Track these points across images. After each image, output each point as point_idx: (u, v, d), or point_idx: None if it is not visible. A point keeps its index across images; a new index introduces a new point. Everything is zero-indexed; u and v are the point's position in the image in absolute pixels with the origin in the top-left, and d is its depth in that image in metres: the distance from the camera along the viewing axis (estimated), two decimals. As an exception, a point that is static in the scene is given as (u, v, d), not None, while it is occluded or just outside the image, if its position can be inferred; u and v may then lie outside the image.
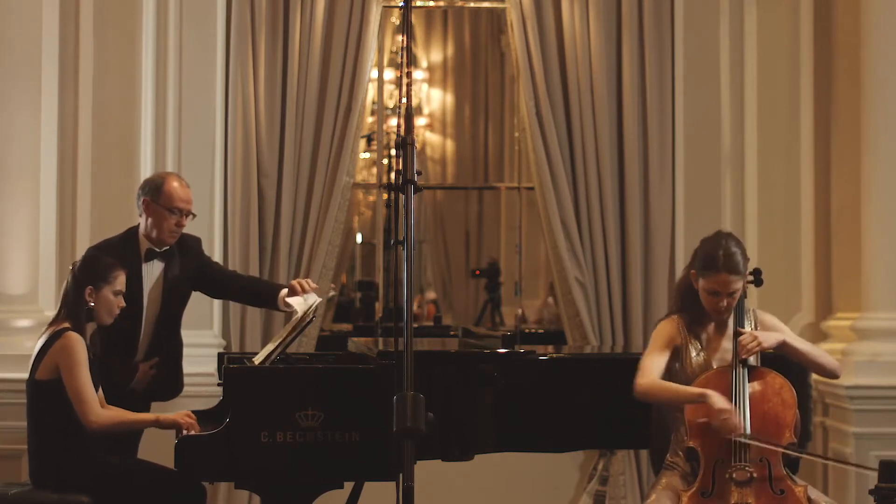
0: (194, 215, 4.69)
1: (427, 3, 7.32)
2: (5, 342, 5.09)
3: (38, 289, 5.20)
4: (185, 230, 4.73)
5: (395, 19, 8.04)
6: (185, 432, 4.06)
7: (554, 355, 4.71)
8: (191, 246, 4.78)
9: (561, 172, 5.86)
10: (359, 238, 9.24)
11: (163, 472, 4.25)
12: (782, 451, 3.86)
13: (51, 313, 5.21)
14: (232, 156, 5.75)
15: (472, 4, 7.34)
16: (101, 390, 4.29)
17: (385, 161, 7.54)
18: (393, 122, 7.19)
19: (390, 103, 7.14)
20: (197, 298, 4.89)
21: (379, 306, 7.67)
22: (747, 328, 4.07)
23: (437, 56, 9.42)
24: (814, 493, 3.93)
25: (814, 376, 4.44)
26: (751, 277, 4.15)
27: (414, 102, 8.97)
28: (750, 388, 3.93)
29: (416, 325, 8.14)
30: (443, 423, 3.96)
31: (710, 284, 4.00)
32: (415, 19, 8.65)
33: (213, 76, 5.72)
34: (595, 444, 5.09)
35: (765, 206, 5.90)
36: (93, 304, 4.28)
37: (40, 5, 5.22)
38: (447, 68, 9.43)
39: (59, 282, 5.32)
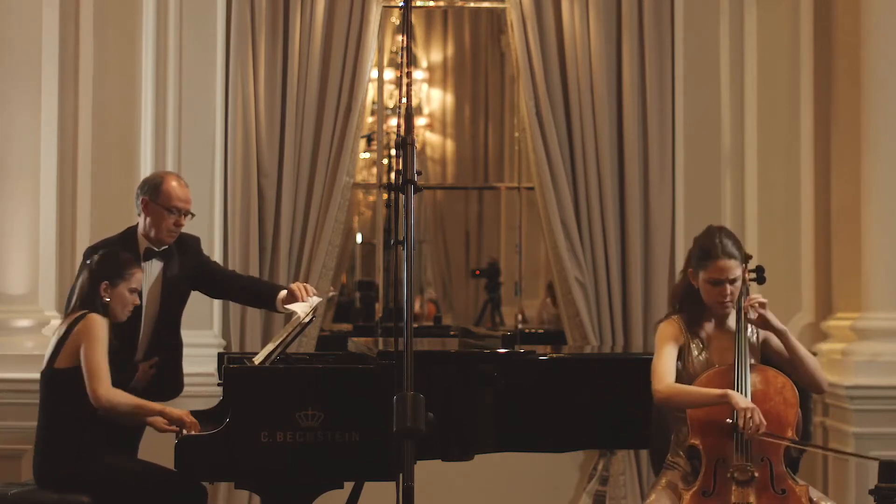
0: (193, 215, 4.69)
1: (427, 3, 7.32)
2: (5, 342, 5.09)
3: (38, 289, 5.20)
4: (184, 230, 4.72)
5: (395, 19, 8.04)
6: (185, 432, 4.06)
7: (554, 355, 4.70)
8: (190, 245, 4.78)
9: (561, 172, 5.86)
10: (359, 238, 9.24)
11: (164, 473, 4.25)
12: (787, 443, 3.86)
13: (51, 313, 5.22)
14: (232, 156, 5.75)
15: (472, 4, 7.34)
16: None
17: (385, 161, 7.54)
18: (393, 122, 7.19)
19: (390, 103, 7.15)
20: (197, 298, 4.89)
21: (379, 306, 7.67)
22: (748, 328, 4.07)
23: (437, 56, 9.42)
24: (814, 494, 3.93)
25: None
26: (753, 275, 4.15)
27: (414, 102, 8.97)
28: (752, 386, 3.93)
29: (416, 325, 8.14)
30: (443, 423, 3.96)
31: (711, 274, 4.00)
32: (415, 19, 8.65)
33: (213, 76, 5.73)
34: (595, 444, 5.08)
35: (765, 206, 5.90)
36: (108, 300, 4.29)
37: (40, 5, 5.22)
38: (447, 68, 9.43)
39: (60, 282, 5.33)
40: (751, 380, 3.94)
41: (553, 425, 4.39)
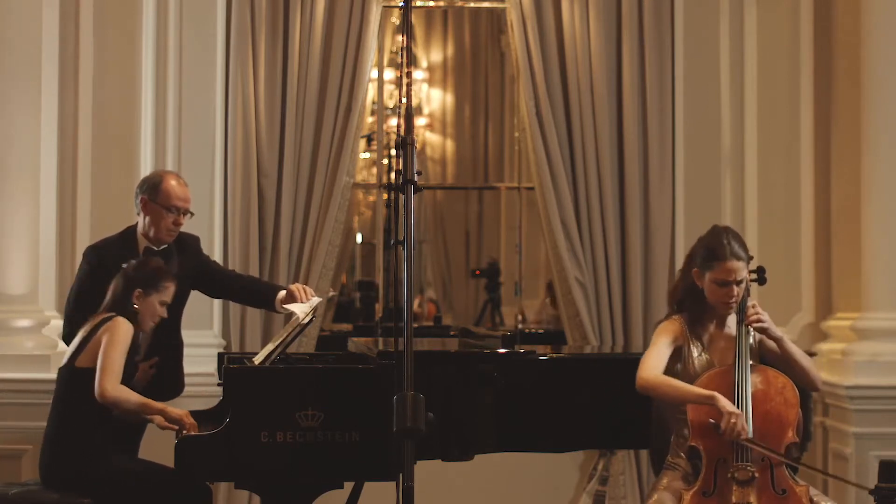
0: (192, 214, 4.68)
1: (427, 3, 7.32)
2: (5, 342, 5.09)
3: (38, 289, 5.19)
4: (184, 229, 4.72)
5: (395, 19, 8.04)
6: (185, 432, 4.06)
7: (554, 355, 4.70)
8: (189, 245, 4.78)
9: (561, 172, 5.86)
10: (359, 238, 9.24)
11: (167, 473, 4.24)
12: (779, 459, 3.86)
13: (51, 313, 5.22)
14: (232, 156, 5.75)
15: (472, 4, 7.34)
16: None
17: (385, 161, 7.54)
18: (393, 122, 7.19)
19: (390, 103, 7.15)
20: (197, 298, 4.89)
21: (379, 306, 7.67)
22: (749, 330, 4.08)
23: (437, 56, 9.42)
24: (814, 493, 3.92)
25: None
26: (754, 276, 4.15)
27: (414, 102, 8.98)
28: (752, 387, 3.93)
29: (416, 325, 8.14)
30: (443, 423, 3.96)
31: (718, 275, 3.99)
32: (415, 19, 8.65)
33: (213, 76, 5.73)
34: (595, 444, 5.08)
35: (765, 206, 5.90)
36: (138, 307, 4.30)
37: (40, 5, 5.22)
38: (447, 68, 9.43)
39: (60, 282, 5.33)
40: (751, 380, 3.94)
41: (553, 425, 4.39)
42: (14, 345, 5.09)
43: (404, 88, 3.64)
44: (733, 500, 3.80)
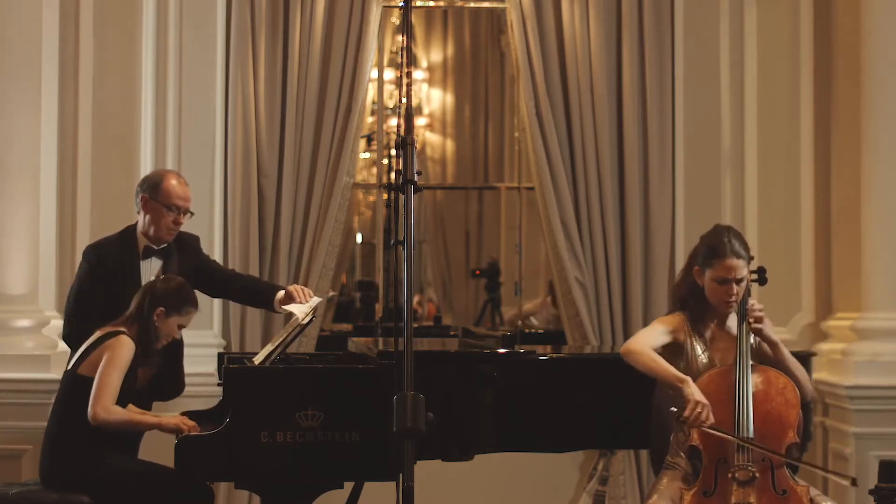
0: (192, 213, 4.68)
1: (427, 3, 7.32)
2: (5, 342, 5.09)
3: (38, 289, 5.19)
4: (184, 229, 4.72)
5: (395, 19, 8.03)
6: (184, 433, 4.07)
7: (554, 355, 4.70)
8: (189, 244, 4.78)
9: (561, 172, 5.86)
10: (359, 238, 9.23)
11: (167, 474, 4.24)
12: (781, 459, 3.86)
13: (51, 313, 5.22)
14: (232, 156, 5.75)
15: (472, 4, 7.34)
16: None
17: (385, 161, 7.54)
18: (393, 122, 7.19)
19: (390, 103, 7.14)
20: (197, 298, 4.89)
21: (379, 306, 7.67)
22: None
23: (437, 56, 9.41)
24: (815, 493, 3.92)
25: (814, 375, 4.44)
26: (755, 276, 4.15)
27: (414, 102, 8.97)
28: (753, 387, 3.93)
29: (416, 325, 8.14)
30: (443, 423, 3.96)
31: (719, 272, 4.00)
32: (415, 19, 8.64)
33: (213, 76, 5.73)
34: (595, 444, 5.08)
35: (765, 206, 5.90)
36: (157, 325, 4.30)
37: (40, 5, 5.22)
38: (447, 68, 9.42)
39: (60, 282, 5.33)
40: (752, 380, 3.94)
41: (553, 425, 4.39)
42: (14, 345, 5.09)
43: (404, 88, 3.64)
44: (733, 500, 3.80)
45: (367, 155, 8.64)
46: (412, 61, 8.53)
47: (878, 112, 5.35)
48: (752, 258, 4.11)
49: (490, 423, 4.24)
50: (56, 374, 4.73)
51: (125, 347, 4.23)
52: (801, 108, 5.85)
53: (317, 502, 4.10)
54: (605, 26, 5.91)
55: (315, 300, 4.59)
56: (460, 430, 4.17)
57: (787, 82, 5.88)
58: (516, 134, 6.90)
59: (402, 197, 3.37)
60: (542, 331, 7.68)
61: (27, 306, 5.17)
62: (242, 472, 4.04)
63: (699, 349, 4.08)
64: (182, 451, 3.98)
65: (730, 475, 3.83)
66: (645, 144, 5.93)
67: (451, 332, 7.85)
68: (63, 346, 4.85)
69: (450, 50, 9.38)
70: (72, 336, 4.54)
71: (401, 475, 3.10)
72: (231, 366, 4.19)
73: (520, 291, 8.01)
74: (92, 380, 4.19)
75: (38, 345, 5.11)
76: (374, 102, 7.26)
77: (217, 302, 5.62)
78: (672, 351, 4.08)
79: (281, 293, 4.67)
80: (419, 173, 3.39)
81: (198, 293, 4.85)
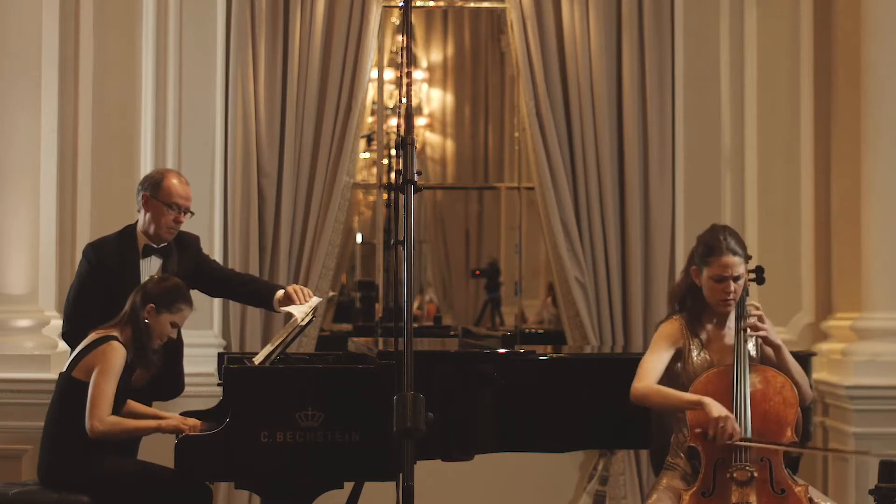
0: (192, 213, 4.68)
1: (427, 3, 7.32)
2: (5, 342, 5.09)
3: (38, 289, 5.19)
4: (184, 229, 4.72)
5: (395, 19, 8.04)
6: (185, 432, 4.07)
7: (554, 355, 4.70)
8: (189, 243, 4.78)
9: (561, 172, 5.87)
10: (359, 238, 9.24)
11: (166, 473, 4.24)
12: (784, 449, 3.86)
13: (51, 313, 5.22)
14: (232, 156, 5.75)
15: (472, 4, 7.34)
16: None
17: (385, 161, 7.54)
18: (393, 122, 7.19)
19: (390, 103, 7.14)
20: (197, 298, 4.87)
21: (379, 306, 7.67)
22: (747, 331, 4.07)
23: (437, 56, 9.42)
24: (814, 493, 3.92)
25: (814, 375, 4.44)
26: (753, 276, 4.15)
27: (414, 102, 8.97)
28: (751, 386, 3.93)
29: (416, 325, 8.14)
30: (443, 423, 3.95)
31: (715, 270, 3.99)
32: (415, 19, 8.65)
33: (213, 76, 5.73)
34: (595, 444, 5.08)
35: (765, 206, 5.90)
36: (149, 322, 4.30)
37: (40, 5, 5.21)
38: (447, 68, 9.43)
39: (60, 282, 5.33)
40: (750, 380, 3.94)
41: (553, 425, 4.39)
42: (14, 345, 5.09)
43: (404, 88, 3.64)
44: (733, 500, 3.80)
45: (367, 155, 8.65)
46: (412, 61, 8.53)
47: (878, 112, 5.35)
48: (749, 257, 4.10)
49: (490, 423, 4.24)
50: (56, 374, 4.73)
51: (116, 354, 4.22)
52: (801, 108, 5.85)
53: (317, 502, 4.10)
54: (605, 26, 5.91)
55: (315, 300, 4.59)
56: (460, 430, 4.17)
57: (787, 82, 5.88)
58: (516, 134, 6.91)
59: (402, 197, 3.37)
60: (542, 331, 7.70)
61: (27, 306, 5.17)
62: (242, 472, 4.04)
63: (695, 351, 4.07)
64: (182, 451, 3.98)
65: (728, 475, 3.83)
66: (645, 144, 5.93)
67: (451, 333, 7.85)
68: (63, 346, 4.85)
69: (450, 50, 9.39)
70: (71, 334, 4.54)
71: (401, 475, 3.11)
72: (231, 366, 4.19)
73: (520, 291, 8.02)
74: (85, 384, 4.19)
75: (38, 345, 5.11)
76: (374, 102, 7.27)
77: (217, 302, 5.62)
78: (672, 357, 4.08)
79: (280, 292, 4.67)
80: (419, 173, 3.40)
81: (198, 293, 4.86)
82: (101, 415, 4.15)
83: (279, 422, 3.96)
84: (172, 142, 5.67)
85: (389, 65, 7.49)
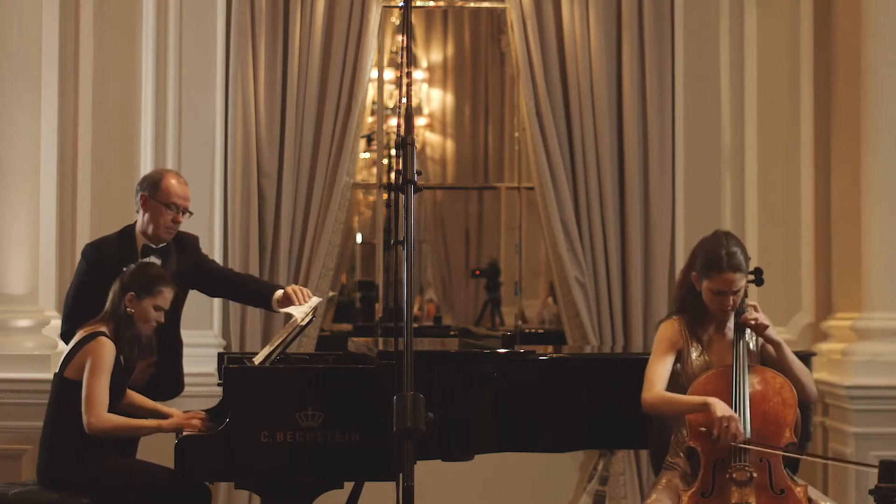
0: (191, 213, 4.68)
1: (427, 3, 7.32)
2: (5, 342, 5.09)
3: (38, 289, 5.19)
4: (184, 229, 4.72)
5: (395, 19, 8.04)
6: (185, 432, 4.07)
7: (554, 355, 4.70)
8: (188, 243, 4.78)
9: (561, 172, 5.86)
10: (359, 238, 9.24)
11: (165, 473, 4.24)
12: (782, 454, 3.86)
13: (51, 313, 5.22)
14: (232, 156, 5.75)
15: (472, 4, 7.34)
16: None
17: (385, 161, 7.54)
18: (393, 122, 7.19)
19: (390, 103, 7.14)
20: (197, 298, 4.89)
21: (379, 306, 7.67)
22: (746, 332, 4.07)
23: (437, 56, 9.42)
24: (814, 494, 3.92)
25: (814, 375, 4.43)
26: (751, 277, 4.14)
27: (414, 102, 8.97)
28: (750, 387, 3.93)
29: (416, 325, 8.14)
30: (443, 423, 3.95)
31: (716, 285, 3.99)
32: (415, 19, 8.65)
33: (213, 76, 5.73)
34: (595, 443, 5.07)
35: (765, 206, 5.90)
36: (131, 311, 4.29)
37: (40, 5, 5.22)
38: (447, 68, 9.43)
39: (60, 282, 5.33)
40: (749, 381, 3.94)
41: (553, 425, 4.39)
42: (14, 345, 5.09)
43: (404, 88, 3.64)
44: (732, 500, 3.80)
45: (367, 155, 8.65)
46: (412, 61, 8.53)
47: (878, 112, 5.35)
48: (748, 258, 4.10)
49: (490, 423, 4.24)
50: (56, 374, 4.74)
51: (105, 349, 4.21)
52: (801, 108, 5.85)
53: (317, 502, 4.10)
54: (605, 26, 5.91)
55: (314, 300, 4.59)
56: (460, 430, 4.17)
57: (787, 82, 5.88)
58: (516, 134, 6.91)
59: (402, 197, 3.37)
60: (542, 331, 7.70)
61: (27, 306, 5.17)
62: (242, 472, 4.04)
63: (695, 352, 4.07)
64: (182, 451, 3.98)
65: (728, 476, 3.83)
66: (645, 144, 5.93)
67: (451, 333, 7.85)
68: (63, 346, 4.84)
69: (450, 50, 9.39)
70: (70, 334, 4.53)
71: (401, 475, 3.11)
72: (231, 366, 4.19)
73: (520, 291, 8.03)
74: (79, 383, 4.19)
75: (38, 345, 5.11)
76: (374, 102, 7.27)
77: (217, 302, 5.62)
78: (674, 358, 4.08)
79: (279, 292, 4.67)
80: (419, 173, 3.40)
81: (197, 293, 4.86)
82: (97, 412, 4.14)
83: (279, 422, 3.96)
84: (172, 142, 5.67)
85: (389, 65, 7.49)
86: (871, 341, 5.34)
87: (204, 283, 4.85)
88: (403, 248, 3.34)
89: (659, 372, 4.02)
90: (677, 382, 4.04)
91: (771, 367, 4.06)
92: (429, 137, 9.34)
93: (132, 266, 4.40)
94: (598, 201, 5.88)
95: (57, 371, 4.33)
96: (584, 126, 5.89)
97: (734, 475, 3.82)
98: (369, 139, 8.38)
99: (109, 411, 4.19)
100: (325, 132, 5.80)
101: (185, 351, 4.88)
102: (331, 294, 6.53)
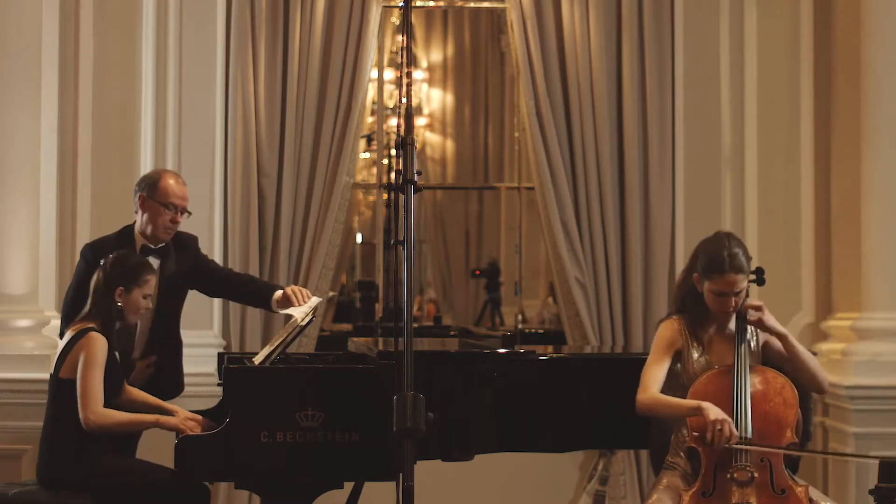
0: (190, 213, 4.68)
1: (427, 3, 7.32)
2: (5, 342, 5.09)
3: (38, 289, 5.19)
4: (184, 229, 4.72)
5: (395, 19, 8.04)
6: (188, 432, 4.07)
7: (554, 355, 4.70)
8: (188, 243, 4.78)
9: (561, 172, 5.86)
10: (359, 238, 9.24)
11: (165, 473, 4.24)
12: (784, 452, 3.86)
13: (51, 313, 5.22)
14: (232, 156, 5.75)
15: (472, 4, 7.35)
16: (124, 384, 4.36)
17: (385, 161, 7.54)
18: (393, 122, 7.19)
19: (390, 103, 7.14)
20: (197, 298, 4.89)
21: (379, 306, 7.67)
22: (747, 331, 4.07)
23: (437, 56, 9.42)
24: (814, 494, 3.92)
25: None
26: (753, 276, 4.14)
27: (414, 102, 8.98)
28: (751, 387, 3.93)
29: (416, 325, 8.14)
30: (443, 423, 3.95)
31: (717, 286, 3.99)
32: (415, 19, 8.65)
33: (213, 76, 5.73)
34: (595, 443, 5.08)
35: (765, 206, 5.90)
36: (122, 306, 4.29)
37: (40, 6, 5.22)
38: (447, 68, 9.43)
39: (60, 282, 5.33)
40: (750, 381, 3.94)
41: (553, 425, 4.39)
42: (14, 345, 5.09)
43: (404, 88, 3.64)
44: (733, 500, 3.80)
45: (367, 155, 8.65)
46: (412, 61, 8.54)
47: (878, 112, 5.35)
48: (749, 258, 4.10)
49: (490, 423, 4.24)
50: (56, 374, 4.74)
51: (97, 344, 4.20)
52: (801, 108, 5.85)
53: (317, 502, 4.10)
54: (605, 26, 5.91)
55: (314, 300, 4.58)
56: (460, 430, 4.17)
57: (787, 82, 5.88)
58: (516, 134, 6.91)
59: (402, 197, 3.37)
60: (542, 331, 7.70)
61: (27, 306, 5.17)
62: (242, 472, 4.04)
63: (695, 353, 4.07)
64: (182, 451, 3.98)
65: (729, 476, 3.83)
66: (645, 144, 5.93)
67: (451, 333, 7.85)
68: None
69: (450, 50, 9.39)
70: (70, 335, 4.54)
71: (401, 475, 3.11)
72: (231, 366, 4.19)
73: (520, 291, 8.03)
74: (73, 382, 4.18)
75: (38, 345, 5.11)
76: (374, 102, 7.27)
77: (217, 302, 5.62)
78: (672, 358, 4.08)
79: (278, 293, 4.66)
80: (419, 173, 3.40)
81: (197, 293, 4.86)
82: (93, 407, 4.14)
83: (279, 422, 3.96)
84: (172, 142, 5.67)
85: (389, 65, 7.50)
86: (871, 341, 5.34)
87: (203, 284, 4.84)
88: (403, 248, 3.34)
89: (654, 374, 4.03)
90: (678, 382, 4.04)
91: (775, 365, 4.06)
92: (429, 137, 9.34)
93: (109, 258, 4.37)
94: (598, 201, 5.88)
95: (52, 372, 4.33)
96: (584, 126, 5.89)
97: (735, 475, 3.82)
98: (369, 139, 8.39)
99: (108, 407, 4.19)
100: (325, 132, 5.80)
101: (185, 351, 4.88)
102: (331, 294, 6.53)
